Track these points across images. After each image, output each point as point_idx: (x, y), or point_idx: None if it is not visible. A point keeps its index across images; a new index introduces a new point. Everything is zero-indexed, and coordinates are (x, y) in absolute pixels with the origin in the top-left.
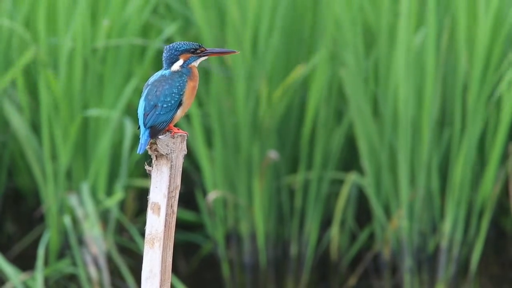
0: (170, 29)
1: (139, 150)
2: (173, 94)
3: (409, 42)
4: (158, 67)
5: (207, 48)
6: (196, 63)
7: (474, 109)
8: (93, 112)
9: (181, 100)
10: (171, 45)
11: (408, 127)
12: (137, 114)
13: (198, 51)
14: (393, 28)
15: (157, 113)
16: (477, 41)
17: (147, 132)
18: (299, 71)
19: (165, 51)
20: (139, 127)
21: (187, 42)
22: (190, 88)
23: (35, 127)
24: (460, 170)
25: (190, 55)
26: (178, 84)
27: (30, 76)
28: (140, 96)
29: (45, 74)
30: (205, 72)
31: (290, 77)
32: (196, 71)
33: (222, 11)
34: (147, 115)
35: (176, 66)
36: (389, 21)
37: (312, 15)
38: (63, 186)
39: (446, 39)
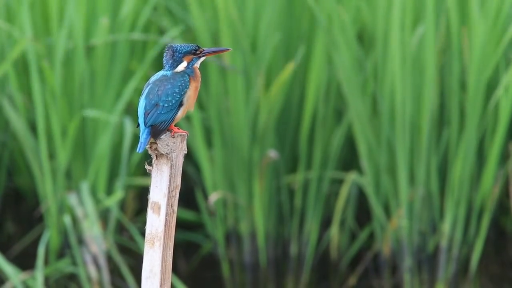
0: (173, 32)
1: (139, 149)
2: (174, 94)
3: (404, 40)
4: (158, 66)
5: (204, 48)
6: (197, 64)
7: (472, 108)
8: (90, 113)
9: (182, 100)
10: (173, 47)
11: (406, 127)
12: (137, 112)
13: (198, 52)
14: (388, 27)
15: (158, 112)
16: (473, 39)
17: (147, 131)
18: (290, 68)
19: (167, 53)
20: (138, 125)
21: (188, 44)
22: (193, 89)
23: (34, 127)
24: (459, 170)
25: (192, 56)
26: (179, 84)
27: (27, 74)
28: (140, 95)
29: (39, 65)
30: (204, 72)
31: (283, 74)
32: (198, 72)
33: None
34: (148, 114)
35: (181, 68)
36: (385, 20)
37: (310, 13)
38: (62, 185)
39: (442, 36)
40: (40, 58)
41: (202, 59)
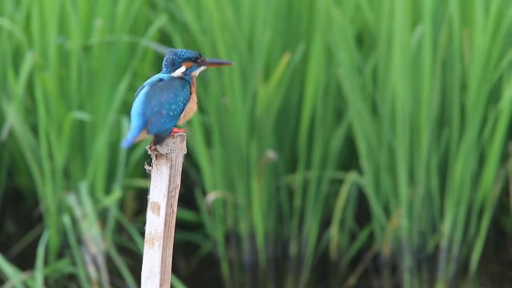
0: (159, 21)
1: (124, 143)
2: (179, 103)
3: (405, 40)
4: (157, 66)
5: (206, 58)
6: (196, 73)
7: (473, 108)
8: (81, 115)
9: (183, 109)
10: (174, 50)
11: (406, 127)
12: (130, 113)
13: (199, 60)
14: (391, 28)
15: (162, 120)
16: (475, 39)
17: (136, 130)
18: (286, 60)
19: (167, 56)
20: None
21: (189, 51)
22: (193, 96)
23: (34, 127)
24: (459, 170)
25: (192, 63)
26: (183, 93)
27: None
28: (135, 96)
29: (41, 77)
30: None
31: (280, 67)
32: (195, 81)
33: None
34: (151, 122)
35: (178, 73)
36: (387, 21)
37: (308, 13)
38: (61, 186)
39: (444, 36)
40: (41, 68)
41: (202, 68)
